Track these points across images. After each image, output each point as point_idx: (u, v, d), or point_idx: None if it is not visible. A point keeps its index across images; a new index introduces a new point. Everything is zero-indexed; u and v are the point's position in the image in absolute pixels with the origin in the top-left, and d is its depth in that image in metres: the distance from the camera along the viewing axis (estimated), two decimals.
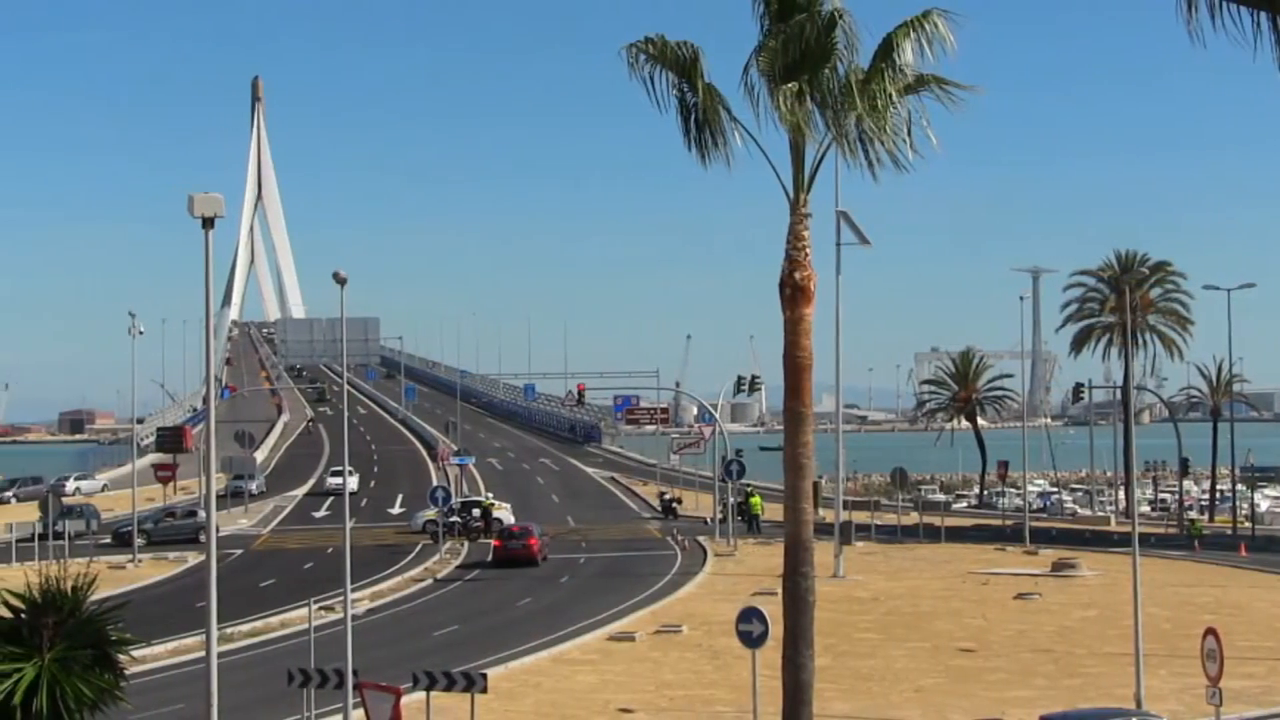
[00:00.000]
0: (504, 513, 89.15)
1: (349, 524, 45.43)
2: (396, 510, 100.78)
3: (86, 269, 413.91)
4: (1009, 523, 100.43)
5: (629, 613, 59.10)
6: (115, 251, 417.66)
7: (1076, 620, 57.31)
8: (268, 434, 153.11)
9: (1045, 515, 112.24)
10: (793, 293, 30.31)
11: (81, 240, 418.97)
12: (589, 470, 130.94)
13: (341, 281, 46.84)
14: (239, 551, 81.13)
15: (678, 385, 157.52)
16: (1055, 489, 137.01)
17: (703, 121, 30.87)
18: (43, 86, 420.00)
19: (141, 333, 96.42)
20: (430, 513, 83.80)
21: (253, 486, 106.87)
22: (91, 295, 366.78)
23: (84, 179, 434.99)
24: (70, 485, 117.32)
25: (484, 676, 34.69)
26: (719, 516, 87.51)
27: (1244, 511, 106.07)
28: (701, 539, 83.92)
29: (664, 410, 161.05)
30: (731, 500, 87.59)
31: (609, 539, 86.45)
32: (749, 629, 34.75)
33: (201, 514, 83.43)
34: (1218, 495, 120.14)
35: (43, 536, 74.11)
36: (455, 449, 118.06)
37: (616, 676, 46.60)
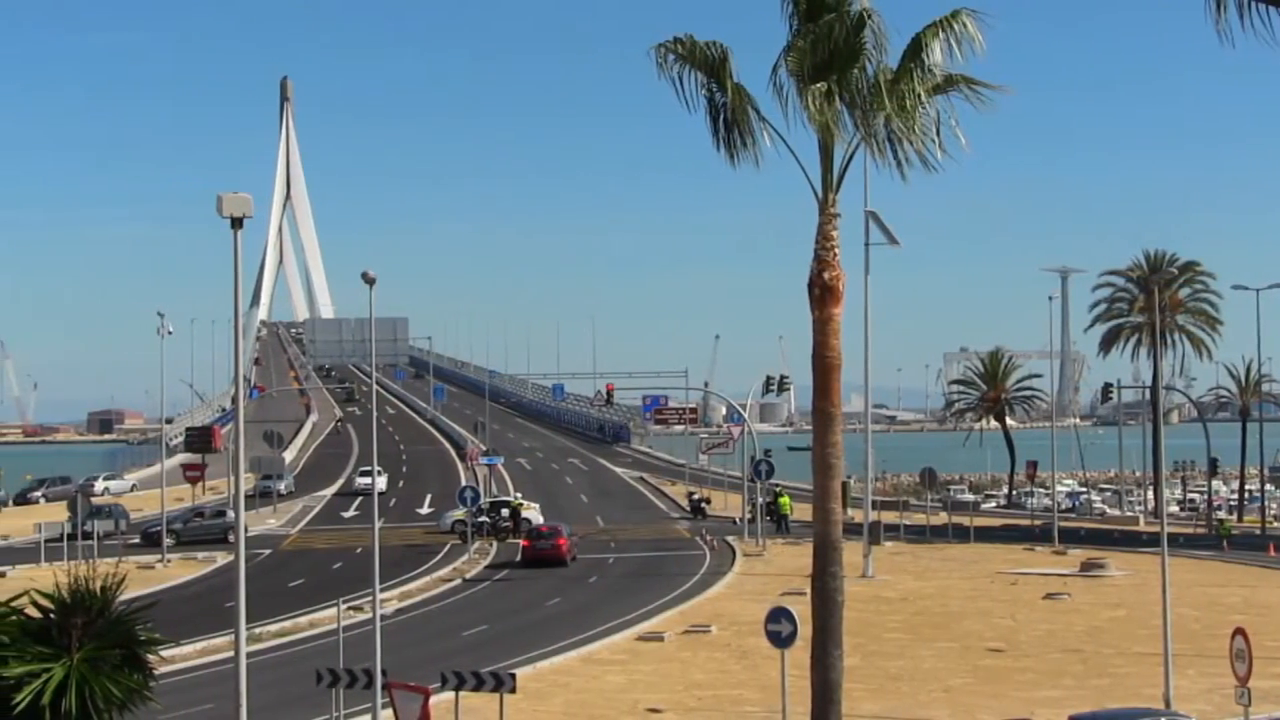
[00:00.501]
0: (532, 513, 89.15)
1: (377, 524, 45.43)
2: (425, 510, 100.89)
3: (115, 269, 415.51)
4: (1038, 523, 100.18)
5: (658, 613, 59.06)
6: (144, 251, 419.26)
7: (1105, 620, 57.13)
8: (296, 434, 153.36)
9: (1074, 515, 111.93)
10: (821, 293, 30.25)
11: (110, 240, 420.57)
12: (617, 470, 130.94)
13: (370, 281, 46.84)
14: (268, 551, 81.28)
15: (706, 385, 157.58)
16: (1084, 489, 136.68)
17: (731, 121, 30.82)
18: (69, 86, 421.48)
19: (170, 333, 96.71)
20: (459, 513, 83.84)
21: (281, 486, 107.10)
22: (120, 295, 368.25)
23: (113, 179, 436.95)
24: (99, 485, 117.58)
25: (513, 677, 34.65)
26: (748, 516, 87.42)
27: (1273, 511, 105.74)
28: (730, 539, 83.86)
29: (693, 410, 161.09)
30: (760, 500, 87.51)
31: (638, 539, 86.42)
32: (778, 629, 34.67)
33: (230, 514, 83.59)
34: (1246, 495, 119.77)
35: (71, 536, 74.35)
36: (484, 449, 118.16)
37: (645, 677, 46.55)
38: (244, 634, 30.90)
